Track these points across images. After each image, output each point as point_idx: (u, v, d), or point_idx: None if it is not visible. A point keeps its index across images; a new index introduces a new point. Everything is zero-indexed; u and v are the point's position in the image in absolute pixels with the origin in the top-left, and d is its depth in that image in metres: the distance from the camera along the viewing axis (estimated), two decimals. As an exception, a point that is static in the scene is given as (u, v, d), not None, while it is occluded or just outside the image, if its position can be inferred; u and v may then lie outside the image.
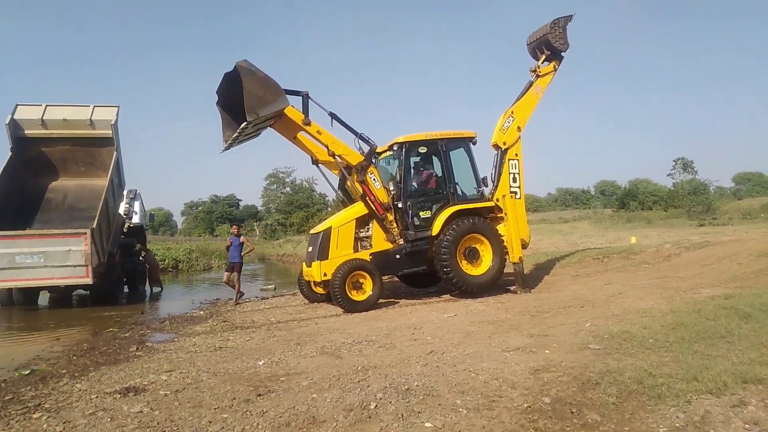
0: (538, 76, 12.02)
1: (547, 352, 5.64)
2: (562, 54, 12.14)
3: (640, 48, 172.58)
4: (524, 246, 11.63)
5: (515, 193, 11.56)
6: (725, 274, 10.26)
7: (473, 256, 10.93)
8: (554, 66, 12.16)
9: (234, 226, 14.25)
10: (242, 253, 13.18)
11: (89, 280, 12.59)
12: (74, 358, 7.46)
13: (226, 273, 13.37)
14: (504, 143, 11.59)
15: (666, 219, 39.79)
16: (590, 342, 5.80)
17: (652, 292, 9.00)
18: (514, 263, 11.23)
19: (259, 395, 4.89)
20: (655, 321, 6.46)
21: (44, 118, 14.51)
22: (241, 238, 13.33)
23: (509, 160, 11.60)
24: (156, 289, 18.14)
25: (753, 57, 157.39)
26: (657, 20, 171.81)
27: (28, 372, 6.59)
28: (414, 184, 11.26)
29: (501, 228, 11.34)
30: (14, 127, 14.23)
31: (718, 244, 13.64)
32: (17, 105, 14.57)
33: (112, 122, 14.82)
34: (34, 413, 4.75)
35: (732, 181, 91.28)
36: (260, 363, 6.21)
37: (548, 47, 11.95)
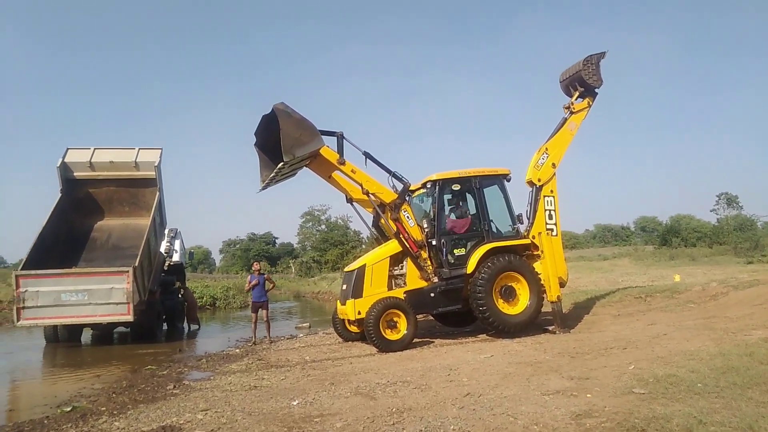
0: (572, 113, 11.99)
1: (588, 396, 5.43)
2: (596, 90, 12.11)
3: (681, 82, 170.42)
4: (562, 284, 11.37)
5: (551, 230, 11.38)
6: (778, 315, 9.75)
7: (509, 294, 10.73)
8: (588, 102, 12.12)
9: (256, 264, 14.14)
10: (266, 290, 13.19)
11: (130, 318, 12.89)
12: (113, 395, 7.59)
13: (253, 315, 13.15)
14: (539, 180, 11.50)
15: (711, 256, 38.28)
16: (634, 386, 5.56)
17: (698, 333, 8.62)
18: (552, 302, 10.96)
19: (293, 437, 4.85)
20: (704, 364, 6.17)
21: (92, 160, 15.23)
22: (265, 275, 13.42)
23: (544, 196, 11.49)
24: (194, 327, 18.38)
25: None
26: (698, 53, 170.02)
27: (69, 409, 6.73)
28: (447, 222, 11.23)
29: (538, 266, 11.13)
30: (64, 169, 14.96)
31: (768, 283, 13.01)
32: (68, 149, 15.34)
33: (156, 164, 15.41)
34: (73, 451, 4.82)
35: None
36: (294, 403, 6.17)
37: (582, 84, 11.95)
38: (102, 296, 12.75)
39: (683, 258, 38.03)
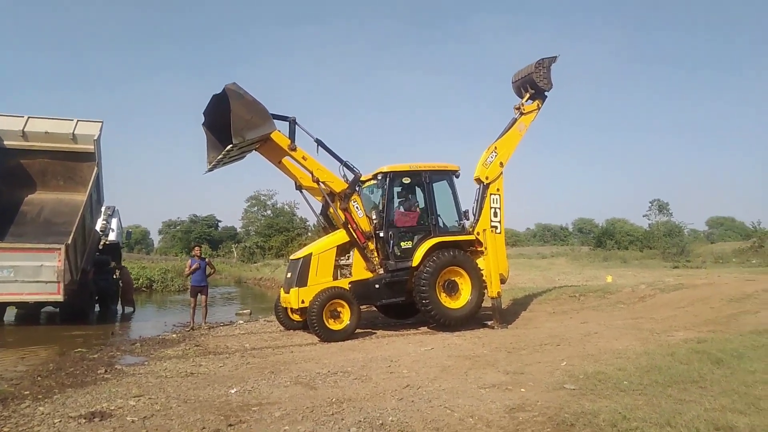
0: (521, 114, 12.29)
1: (522, 390, 5.63)
2: (546, 93, 12.46)
3: (622, 90, 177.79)
4: (503, 281, 11.70)
5: (495, 227, 11.67)
6: (698, 318, 10.42)
7: (452, 289, 10.94)
8: (538, 105, 12.46)
9: (197, 247, 13.77)
10: (207, 275, 12.90)
11: (60, 297, 12.30)
12: (39, 378, 7.23)
13: (191, 299, 12.81)
14: (486, 178, 11.74)
15: (641, 259, 40.36)
16: (566, 382, 5.81)
17: (626, 332, 9.09)
18: (492, 298, 11.26)
19: (230, 425, 4.79)
20: (630, 362, 6.52)
21: (25, 129, 14.30)
22: (206, 259, 13.13)
23: (491, 194, 11.74)
24: (128, 309, 17.73)
25: (729, 106, 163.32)
26: (637, 63, 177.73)
27: (-11, 392, 6.35)
28: (395, 214, 11.31)
29: (480, 262, 11.40)
30: (-7, 137, 14.01)
31: (691, 287, 13.85)
32: (-2, 115, 14.37)
33: (95, 137, 14.66)
34: (-7, 437, 4.57)
35: (705, 225, 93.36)
36: (232, 391, 6.08)
37: (533, 86, 12.26)
38: (30, 273, 12.10)
39: (616, 260, 39.91)
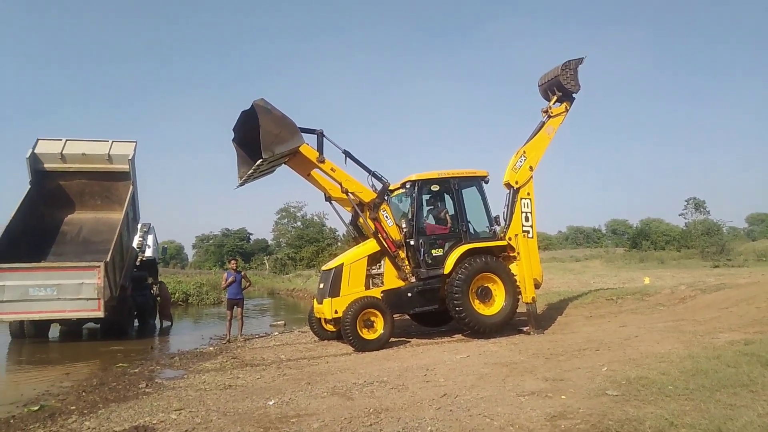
0: (549, 117, 12.14)
1: (563, 397, 5.51)
2: (574, 95, 12.29)
3: (655, 89, 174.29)
4: (537, 285, 11.52)
5: (527, 232, 11.52)
6: (744, 318, 10.05)
7: (486, 295, 10.82)
8: (566, 107, 12.29)
9: (232, 261, 13.95)
10: (243, 288, 13.07)
11: (101, 314, 12.62)
12: (83, 394, 7.42)
13: (228, 312, 12.92)
14: (516, 182, 11.62)
15: (679, 259, 39.36)
16: (608, 388, 5.67)
17: (668, 335, 8.82)
18: (527, 303, 11.10)
19: (270, 437, 4.81)
20: (674, 366, 6.32)
21: (63, 152, 14.83)
22: (242, 272, 13.30)
23: (521, 199, 11.61)
24: (166, 324, 18.09)
25: (765, 101, 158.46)
26: (670, 61, 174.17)
27: (37, 408, 6.55)
28: (425, 221, 11.28)
29: (513, 267, 11.26)
30: (34, 160, 14.55)
31: (734, 287, 13.40)
32: (38, 139, 14.92)
33: (130, 157, 15.10)
34: (42, 452, 4.70)
35: (745, 222, 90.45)
36: (270, 403, 6.12)
37: (560, 88, 12.11)
38: (72, 291, 12.45)
39: (652, 261, 39.00)
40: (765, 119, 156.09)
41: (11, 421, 5.96)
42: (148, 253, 20.14)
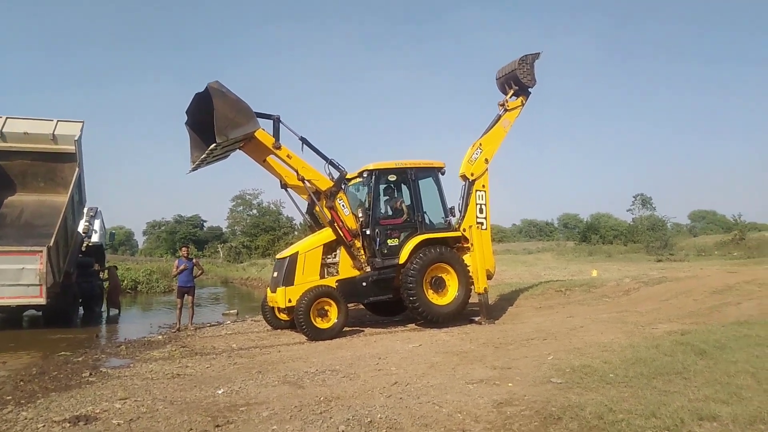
0: (506, 110, 12.33)
1: (510, 385, 5.67)
2: (530, 90, 12.52)
3: (605, 84, 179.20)
4: (489, 277, 11.75)
5: (481, 223, 11.71)
6: (682, 310, 10.57)
7: (439, 285, 10.97)
8: (522, 101, 12.51)
9: (184, 248, 13.64)
10: (194, 276, 12.79)
11: (42, 301, 12.11)
12: (21, 383, 7.11)
13: (178, 300, 12.59)
14: (472, 174, 11.78)
15: (626, 253, 40.91)
16: (552, 375, 5.86)
17: (612, 326, 9.19)
18: (479, 294, 11.30)
19: (218, 426, 4.75)
20: (615, 355, 6.59)
21: (3, 130, 14.02)
22: (194, 260, 13.01)
23: (476, 191, 11.78)
24: (113, 311, 17.52)
25: (711, 98, 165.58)
26: (618, 57, 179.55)
27: (-31, 398, 6.24)
28: (382, 211, 11.31)
29: (467, 258, 11.44)
30: (-29, 139, 13.73)
31: (675, 280, 14.05)
32: (-25, 116, 14.08)
33: (76, 138, 14.42)
34: (-26, 443, 4.49)
35: (688, 218, 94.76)
36: (219, 392, 6.04)
37: (516, 83, 12.31)
38: (11, 277, 11.88)
39: (601, 254, 40.44)
40: (711, 116, 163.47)
41: (-60, 411, 5.66)
42: (95, 238, 19.44)
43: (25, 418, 5.23)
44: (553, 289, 14.87)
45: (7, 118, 14.27)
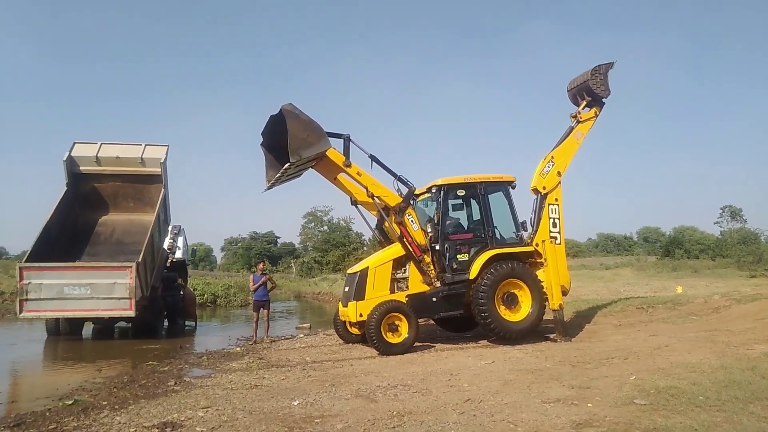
0: (578, 122, 12.00)
1: (589, 405, 5.43)
2: (603, 100, 12.12)
3: (687, 93, 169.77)
4: (564, 293, 11.36)
5: (555, 238, 11.38)
6: (780, 330, 9.73)
7: (512, 301, 10.72)
8: (595, 112, 12.13)
9: (260, 263, 14.11)
10: (268, 290, 13.20)
11: (132, 313, 12.93)
12: (115, 390, 7.61)
13: (254, 313, 13.10)
14: (544, 188, 11.51)
15: (714, 269, 38.24)
16: (635, 396, 5.57)
17: (700, 345, 8.61)
18: (553, 310, 10.95)
19: (294, 437, 4.86)
20: (705, 377, 6.18)
21: (99, 155, 15.26)
22: (267, 274, 13.45)
23: (549, 204, 11.49)
24: (189, 324, 18.38)
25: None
26: (702, 66, 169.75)
27: (71, 402, 6.75)
28: (451, 227, 11.25)
29: (540, 273, 11.13)
30: (71, 163, 15.01)
31: (771, 297, 12.99)
32: (75, 143, 15.39)
33: (162, 161, 15.45)
34: (75, 444, 4.85)
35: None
36: (295, 403, 6.19)
37: (589, 93, 11.96)
38: (105, 291, 12.78)
39: (686, 270, 38.01)
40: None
41: (47, 414, 6.17)
42: (178, 254, 20.50)
43: (119, 423, 5.59)
44: (633, 306, 14.14)
45: (101, 143, 15.54)
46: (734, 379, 5.93)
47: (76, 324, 14.79)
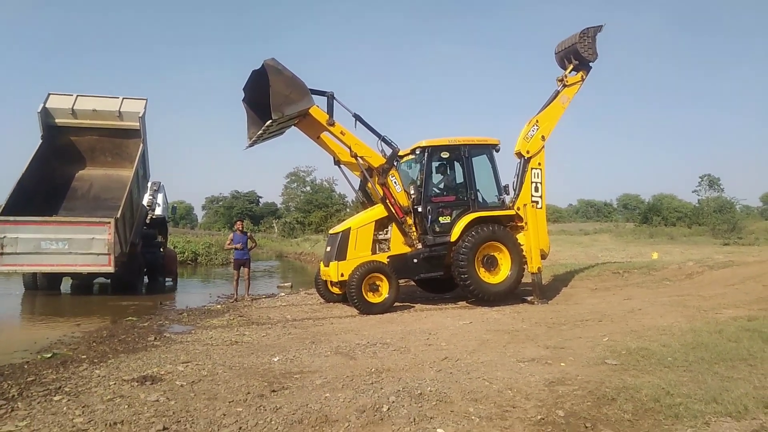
0: (564, 86, 11.92)
1: (562, 364, 5.59)
2: (591, 64, 12.03)
3: (670, 61, 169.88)
4: (543, 256, 11.53)
5: (536, 202, 11.47)
6: (749, 296, 10.04)
7: (491, 264, 10.86)
8: (582, 76, 12.06)
9: (239, 222, 14.02)
10: (248, 249, 13.15)
11: (111, 269, 12.83)
12: (94, 344, 7.61)
13: (234, 272, 13.11)
14: (527, 152, 11.51)
15: (689, 236, 39.14)
16: (607, 357, 5.74)
17: (672, 309, 8.86)
18: (532, 273, 11.14)
19: (273, 391, 4.93)
20: (675, 339, 6.37)
21: (75, 107, 14.81)
22: (248, 233, 13.40)
23: (532, 169, 11.53)
24: (169, 281, 18.36)
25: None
26: (686, 33, 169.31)
27: (50, 355, 6.73)
28: (434, 189, 11.25)
29: (521, 237, 11.26)
30: (45, 115, 14.55)
31: (742, 265, 13.36)
32: (49, 94, 14.88)
33: (140, 115, 15.06)
34: (54, 396, 4.86)
35: (759, 201, 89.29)
36: (275, 359, 6.26)
37: (576, 57, 11.85)
38: (83, 246, 12.63)
39: (662, 237, 38.86)
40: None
41: (25, 366, 6.14)
42: (158, 211, 20.28)
43: (99, 376, 5.61)
44: (610, 271, 14.45)
45: (77, 95, 15.06)
46: (702, 341, 6.13)
47: (54, 279, 14.65)
